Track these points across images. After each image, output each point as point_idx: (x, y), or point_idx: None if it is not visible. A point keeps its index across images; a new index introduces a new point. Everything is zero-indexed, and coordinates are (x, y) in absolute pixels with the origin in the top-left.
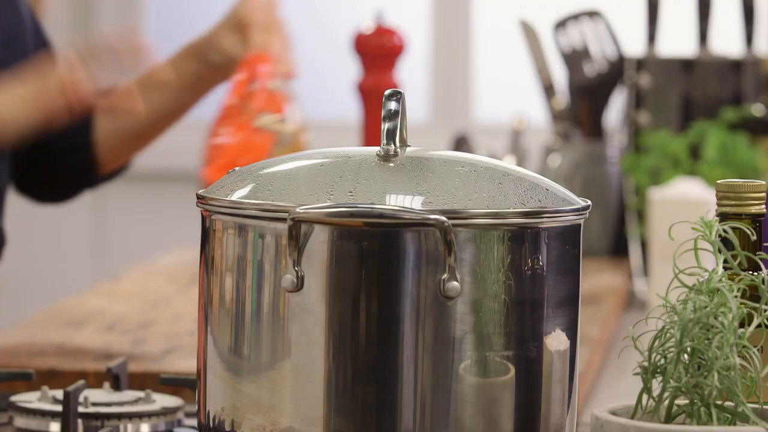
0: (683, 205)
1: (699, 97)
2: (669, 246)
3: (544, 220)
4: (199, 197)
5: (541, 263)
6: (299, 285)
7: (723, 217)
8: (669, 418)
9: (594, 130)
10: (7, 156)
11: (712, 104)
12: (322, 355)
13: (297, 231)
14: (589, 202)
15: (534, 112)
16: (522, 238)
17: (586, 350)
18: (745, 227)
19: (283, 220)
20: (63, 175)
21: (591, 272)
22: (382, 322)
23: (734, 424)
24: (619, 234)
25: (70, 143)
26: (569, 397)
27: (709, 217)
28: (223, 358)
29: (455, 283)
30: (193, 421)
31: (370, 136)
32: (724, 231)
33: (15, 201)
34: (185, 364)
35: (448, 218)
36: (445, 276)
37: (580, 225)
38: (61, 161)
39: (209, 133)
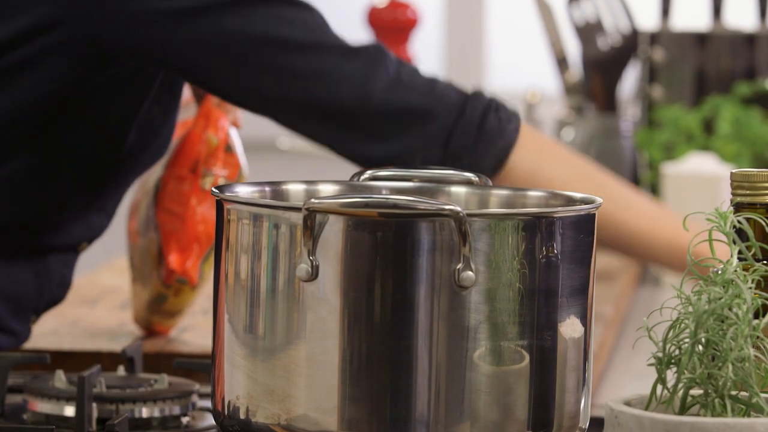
0: (697, 180)
1: (712, 72)
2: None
3: (559, 209)
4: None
5: (555, 252)
6: (314, 274)
7: (738, 207)
8: (683, 409)
9: (607, 103)
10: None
11: (726, 78)
12: (336, 344)
13: (312, 221)
14: (601, 200)
15: (547, 85)
16: (536, 227)
17: (600, 329)
18: (760, 217)
19: (298, 209)
20: None
21: None
22: (396, 311)
23: (748, 415)
24: None
25: None
26: (583, 384)
27: (724, 204)
28: (238, 347)
29: (470, 272)
30: (207, 403)
31: None
32: (739, 222)
33: None
34: (200, 343)
35: (463, 208)
36: (459, 266)
37: (594, 214)
38: None
39: (157, 203)
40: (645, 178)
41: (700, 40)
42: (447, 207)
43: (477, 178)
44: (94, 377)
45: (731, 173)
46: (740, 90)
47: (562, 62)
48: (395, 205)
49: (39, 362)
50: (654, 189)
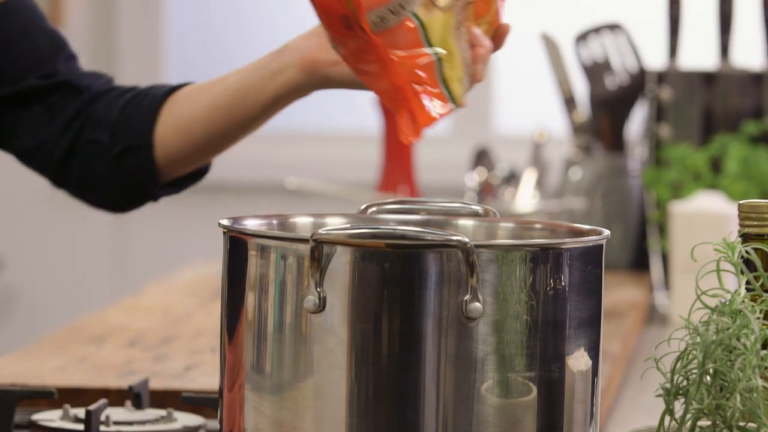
0: (705, 219)
1: (720, 110)
2: (691, 260)
3: (566, 240)
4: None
5: (563, 284)
6: (321, 306)
7: (745, 237)
8: None
9: (615, 143)
10: None
11: (734, 117)
12: (344, 375)
13: (319, 252)
14: (609, 232)
15: (555, 125)
16: (544, 258)
17: (608, 366)
18: None
19: (306, 241)
20: (114, 178)
21: (612, 286)
22: (404, 342)
23: None
24: (640, 247)
25: (126, 137)
26: (591, 417)
27: (732, 235)
28: (245, 378)
29: (477, 304)
30: None
31: (391, 148)
32: (747, 252)
33: (35, 214)
34: (207, 381)
35: (470, 240)
36: (467, 297)
37: (602, 246)
38: (112, 159)
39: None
40: (653, 217)
41: (708, 79)
42: (454, 238)
43: (483, 211)
44: (101, 411)
45: (739, 204)
46: (748, 129)
47: (569, 101)
48: (403, 236)
49: (46, 398)
50: (662, 228)
